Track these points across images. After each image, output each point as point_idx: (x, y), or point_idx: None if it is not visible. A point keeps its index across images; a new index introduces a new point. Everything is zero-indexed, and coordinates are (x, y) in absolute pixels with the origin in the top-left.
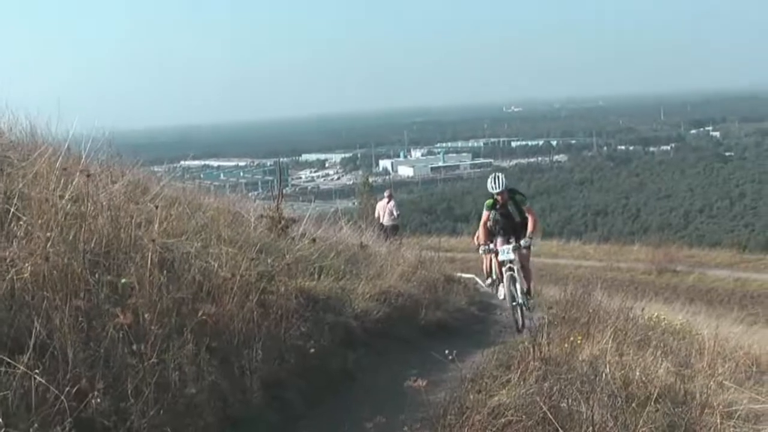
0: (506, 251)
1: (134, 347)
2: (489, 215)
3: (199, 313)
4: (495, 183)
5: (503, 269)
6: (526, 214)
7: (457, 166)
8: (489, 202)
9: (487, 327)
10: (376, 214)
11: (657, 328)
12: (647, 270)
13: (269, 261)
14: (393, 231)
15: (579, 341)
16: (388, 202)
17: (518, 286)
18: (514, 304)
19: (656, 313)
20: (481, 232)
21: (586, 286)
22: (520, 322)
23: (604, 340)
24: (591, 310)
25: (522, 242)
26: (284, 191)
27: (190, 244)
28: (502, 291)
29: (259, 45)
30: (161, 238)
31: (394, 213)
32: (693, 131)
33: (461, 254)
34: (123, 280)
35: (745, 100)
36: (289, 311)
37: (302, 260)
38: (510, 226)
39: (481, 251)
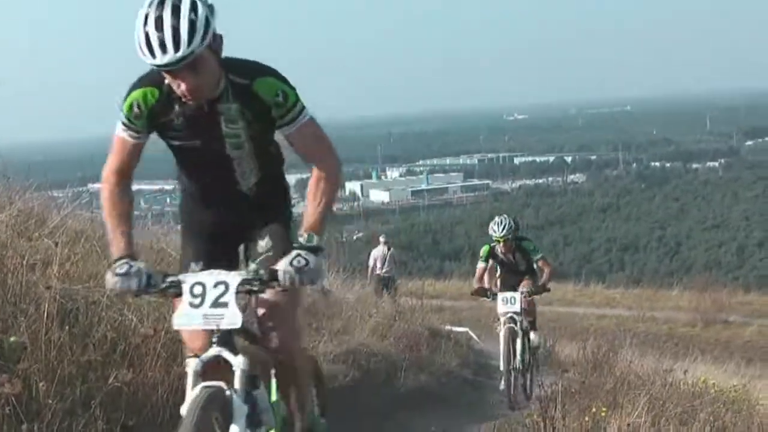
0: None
1: (24, 427)
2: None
3: (111, 381)
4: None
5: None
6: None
7: (445, 189)
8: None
9: (483, 395)
10: (371, 263)
11: (704, 397)
12: (690, 321)
13: None
14: (392, 283)
15: (603, 414)
16: (387, 249)
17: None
18: (510, 368)
19: (703, 377)
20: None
21: (612, 342)
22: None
23: (635, 412)
24: (618, 374)
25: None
26: None
27: (100, 291)
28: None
29: None
30: (62, 283)
31: (395, 260)
32: (749, 143)
33: (451, 302)
34: (11, 339)
35: None
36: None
37: None
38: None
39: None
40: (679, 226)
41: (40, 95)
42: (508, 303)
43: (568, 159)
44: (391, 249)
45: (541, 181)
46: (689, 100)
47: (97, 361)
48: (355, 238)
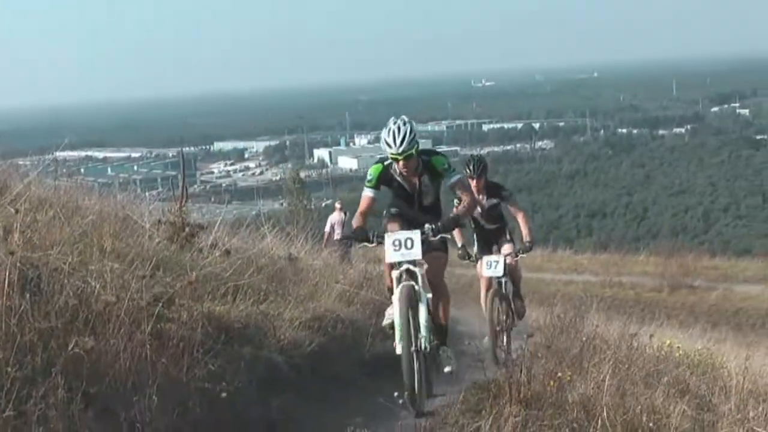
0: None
1: None
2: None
3: (72, 348)
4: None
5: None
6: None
7: None
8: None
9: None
10: (327, 229)
11: (669, 360)
12: (657, 286)
13: (168, 280)
14: (347, 248)
15: (569, 378)
16: (344, 214)
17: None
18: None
19: (668, 341)
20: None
21: (579, 308)
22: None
23: (600, 375)
24: (584, 338)
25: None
26: (191, 190)
27: (62, 258)
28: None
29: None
30: (23, 251)
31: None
32: (715, 109)
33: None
34: None
35: None
36: (194, 344)
37: (212, 278)
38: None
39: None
40: (646, 192)
41: (7, 62)
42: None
43: (536, 126)
44: (347, 214)
45: (509, 147)
46: (656, 66)
47: (59, 329)
48: (323, 204)
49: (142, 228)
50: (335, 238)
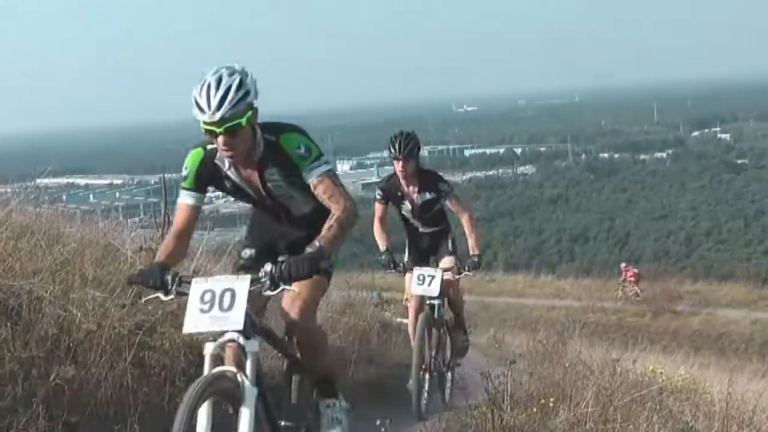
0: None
1: None
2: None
3: (53, 377)
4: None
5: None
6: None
7: None
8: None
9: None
10: None
11: (652, 386)
12: (639, 311)
13: (149, 308)
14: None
15: (551, 404)
16: None
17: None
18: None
19: (651, 367)
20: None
21: (561, 333)
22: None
23: (583, 402)
24: (567, 364)
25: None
26: (172, 216)
27: (44, 287)
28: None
29: (143, 27)
30: (4, 279)
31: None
32: (695, 133)
33: (401, 294)
34: None
35: (761, 93)
36: (176, 372)
37: None
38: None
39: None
40: (628, 216)
41: None
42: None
43: (518, 151)
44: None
45: (491, 172)
46: (636, 90)
47: (40, 358)
48: None
49: (123, 255)
50: None
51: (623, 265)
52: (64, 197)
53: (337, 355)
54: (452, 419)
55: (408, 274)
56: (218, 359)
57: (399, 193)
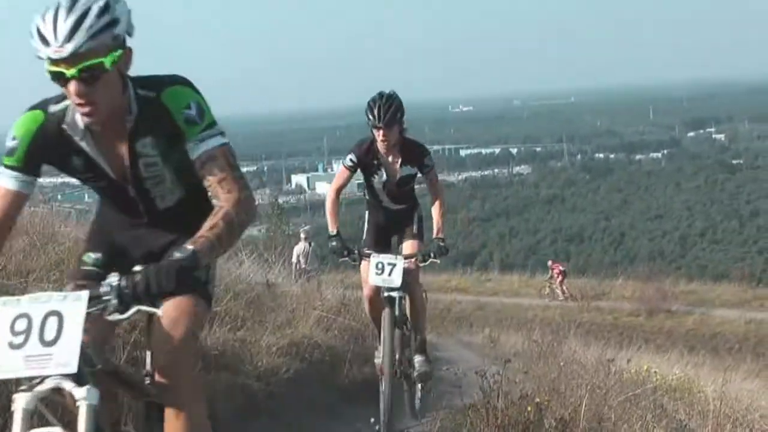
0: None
1: None
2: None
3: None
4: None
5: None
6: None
7: None
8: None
9: (429, 386)
10: (294, 260)
11: (647, 385)
12: (634, 311)
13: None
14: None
15: (546, 403)
16: (309, 245)
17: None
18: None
19: (646, 366)
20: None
21: (556, 333)
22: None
23: (578, 400)
24: (562, 363)
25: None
26: None
27: (38, 286)
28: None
29: (148, 18)
30: None
31: (318, 256)
32: (691, 134)
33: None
34: None
35: (755, 94)
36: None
37: None
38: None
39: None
40: (623, 216)
41: None
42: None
43: (514, 151)
44: (312, 244)
45: (487, 173)
46: (632, 91)
47: None
48: (301, 230)
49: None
50: (304, 268)
51: (550, 262)
52: (58, 196)
53: (333, 353)
54: (447, 418)
55: (365, 262)
56: (36, 417)
57: (376, 162)
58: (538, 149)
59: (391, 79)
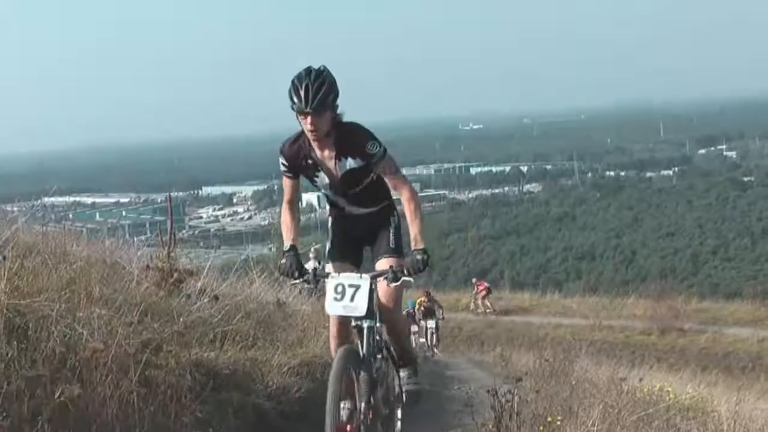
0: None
1: None
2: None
3: (59, 396)
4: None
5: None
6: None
7: None
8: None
9: (440, 405)
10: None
11: (660, 404)
12: (646, 329)
13: (156, 326)
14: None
15: (558, 422)
16: (318, 263)
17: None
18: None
19: (659, 385)
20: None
21: (568, 351)
22: (432, 353)
23: (590, 420)
24: (574, 382)
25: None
26: (179, 235)
27: (50, 305)
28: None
29: (146, 48)
30: (10, 298)
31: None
32: (702, 151)
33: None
34: None
35: (766, 111)
36: (182, 391)
37: (200, 324)
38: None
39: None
40: (634, 234)
41: None
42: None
43: (524, 169)
44: (322, 263)
45: (497, 191)
46: (642, 108)
47: (46, 376)
48: (312, 248)
49: (130, 274)
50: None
51: (474, 280)
52: (70, 215)
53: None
54: None
55: (328, 282)
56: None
57: (309, 161)
58: (549, 167)
59: (398, 98)
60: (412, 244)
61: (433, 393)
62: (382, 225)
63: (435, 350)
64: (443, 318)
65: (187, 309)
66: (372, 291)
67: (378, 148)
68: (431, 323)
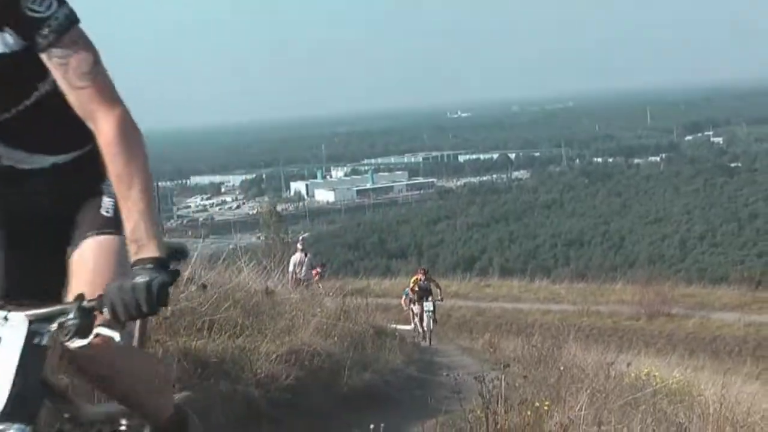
0: (428, 305)
1: None
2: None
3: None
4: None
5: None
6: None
7: (391, 188)
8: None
9: (429, 392)
10: (291, 269)
11: (647, 389)
12: (634, 314)
13: None
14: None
15: (546, 407)
16: (305, 255)
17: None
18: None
19: (646, 369)
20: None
21: (556, 337)
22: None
23: (578, 405)
24: (562, 368)
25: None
26: (167, 224)
27: None
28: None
29: (134, 30)
30: None
31: (312, 265)
32: (689, 137)
33: (397, 300)
34: None
35: (753, 97)
36: (170, 380)
37: (188, 313)
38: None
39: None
40: (623, 220)
41: None
42: (428, 307)
43: (512, 156)
44: (308, 254)
45: (485, 178)
46: (630, 95)
47: None
48: (300, 237)
49: None
50: (298, 277)
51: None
52: None
53: (333, 360)
54: (447, 423)
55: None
56: None
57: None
58: (537, 154)
59: (387, 87)
60: (132, 247)
61: (422, 380)
62: (88, 193)
63: (429, 337)
64: (441, 299)
65: (175, 298)
66: (35, 348)
67: (54, 7)
68: (428, 305)
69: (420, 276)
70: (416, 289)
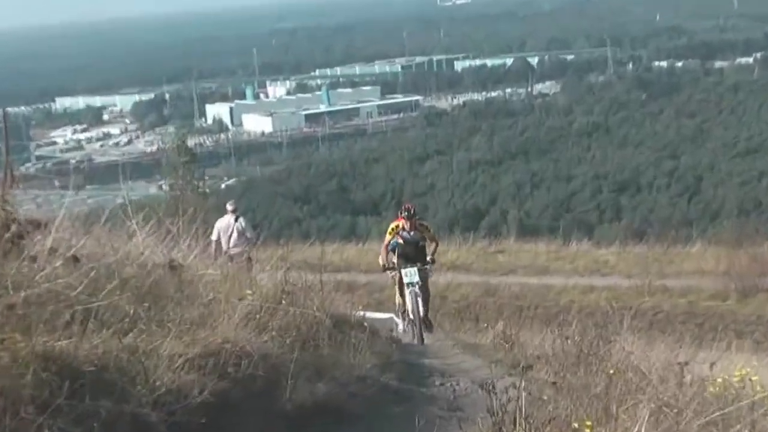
0: (411, 274)
1: None
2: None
3: None
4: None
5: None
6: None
7: (355, 112)
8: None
9: (413, 408)
10: (214, 237)
11: (741, 401)
12: (720, 291)
13: None
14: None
15: (588, 429)
16: (235, 220)
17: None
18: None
19: (740, 372)
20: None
21: (603, 327)
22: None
23: (636, 425)
24: (611, 371)
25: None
26: (21, 169)
27: None
28: (401, 324)
29: None
30: None
31: (247, 235)
32: None
33: (367, 276)
34: None
35: None
36: (21, 399)
37: (50, 299)
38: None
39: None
40: (699, 152)
41: None
42: (410, 276)
43: (533, 61)
44: (240, 219)
45: (494, 94)
46: None
47: None
48: (223, 186)
49: None
50: (227, 251)
51: None
52: None
53: (269, 365)
54: None
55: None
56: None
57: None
58: (570, 57)
59: None
60: None
61: (402, 391)
62: None
63: (420, 331)
64: (433, 261)
65: (30, 277)
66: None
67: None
68: (411, 274)
69: (402, 221)
70: (401, 241)
